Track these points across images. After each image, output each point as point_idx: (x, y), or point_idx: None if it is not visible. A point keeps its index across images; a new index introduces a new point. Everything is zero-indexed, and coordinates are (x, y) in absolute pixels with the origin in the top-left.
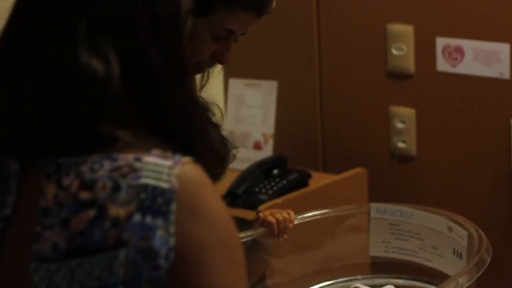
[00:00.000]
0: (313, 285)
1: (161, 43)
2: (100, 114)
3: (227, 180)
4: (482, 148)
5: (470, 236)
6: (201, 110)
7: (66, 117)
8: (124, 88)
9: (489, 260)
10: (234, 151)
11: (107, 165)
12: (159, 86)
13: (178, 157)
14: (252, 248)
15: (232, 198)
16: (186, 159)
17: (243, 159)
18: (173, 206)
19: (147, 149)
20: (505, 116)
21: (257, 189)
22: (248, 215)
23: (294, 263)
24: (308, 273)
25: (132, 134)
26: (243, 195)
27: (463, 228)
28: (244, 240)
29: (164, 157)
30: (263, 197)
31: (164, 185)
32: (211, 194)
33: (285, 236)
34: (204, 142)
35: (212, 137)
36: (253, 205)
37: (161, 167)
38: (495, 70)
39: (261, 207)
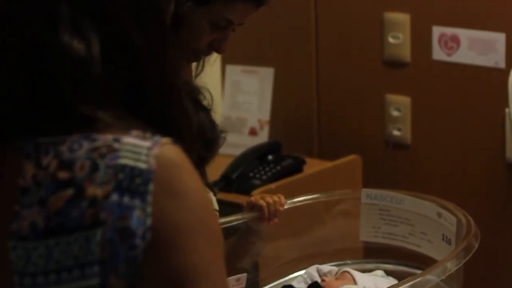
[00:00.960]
0: (303, 269)
1: (142, 25)
2: (80, 95)
3: (222, 165)
4: (476, 137)
5: (459, 222)
6: (183, 92)
7: (46, 97)
8: (104, 69)
9: (477, 245)
10: (223, 135)
11: (86, 145)
12: (139, 67)
13: (157, 138)
14: (246, 234)
15: (226, 183)
16: (165, 140)
17: (239, 144)
18: (151, 187)
19: (126, 130)
20: (500, 105)
21: (251, 174)
22: (242, 200)
23: (284, 247)
24: (299, 257)
25: (112, 115)
26: (237, 180)
27: (452, 214)
28: (234, 223)
29: (143, 138)
30: (257, 182)
31: (142, 165)
32: (189, 175)
33: (276, 220)
34: (185, 124)
35: (200, 120)
36: (246, 190)
37: (139, 148)
38: (491, 59)
39: (255, 192)
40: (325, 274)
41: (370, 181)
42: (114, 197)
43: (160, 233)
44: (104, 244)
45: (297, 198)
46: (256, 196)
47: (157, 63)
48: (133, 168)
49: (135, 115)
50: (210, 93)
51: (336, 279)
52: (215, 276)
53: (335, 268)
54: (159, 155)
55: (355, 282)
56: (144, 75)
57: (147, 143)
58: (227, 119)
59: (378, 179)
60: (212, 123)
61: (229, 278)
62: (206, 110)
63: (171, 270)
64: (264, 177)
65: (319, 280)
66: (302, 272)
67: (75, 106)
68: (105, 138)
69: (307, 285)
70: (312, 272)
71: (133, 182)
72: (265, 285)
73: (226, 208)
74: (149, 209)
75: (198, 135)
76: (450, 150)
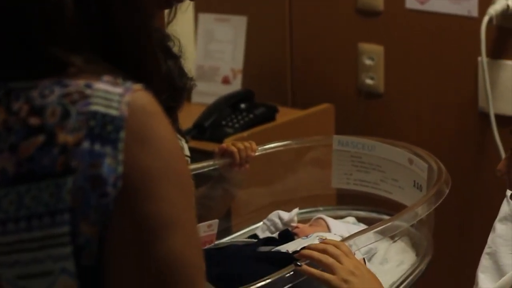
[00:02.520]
0: None
1: None
2: (52, 38)
3: (195, 113)
4: (449, 86)
5: (430, 168)
6: (155, 39)
7: (18, 40)
8: (76, 13)
9: (447, 191)
10: (193, 83)
11: (58, 91)
12: (111, 12)
13: (129, 84)
14: (218, 181)
15: (198, 131)
16: (137, 86)
17: (212, 93)
18: (122, 134)
19: (98, 76)
20: (472, 53)
21: (223, 123)
22: (214, 147)
23: (256, 194)
24: (270, 204)
25: (84, 59)
26: (209, 128)
27: (424, 161)
28: (205, 169)
29: (115, 84)
30: (229, 130)
31: (113, 112)
32: (161, 122)
33: (247, 166)
34: (155, 70)
35: (169, 68)
36: (219, 138)
37: (111, 94)
38: (464, 8)
39: (227, 140)
40: (286, 222)
41: (342, 129)
42: (85, 144)
43: (131, 181)
44: (75, 191)
45: (268, 145)
46: (228, 143)
47: (129, 8)
48: (104, 115)
49: (106, 60)
50: (180, 41)
51: (310, 225)
52: (186, 224)
53: (296, 211)
54: (131, 102)
55: (329, 229)
56: (116, 20)
57: (118, 90)
58: (199, 67)
59: (351, 128)
60: (180, 71)
61: (201, 224)
62: (175, 58)
63: (142, 218)
64: (236, 125)
65: (280, 226)
66: None
67: (47, 49)
68: (77, 84)
69: (271, 233)
70: (274, 218)
71: (104, 129)
72: (237, 231)
73: (199, 156)
74: (121, 157)
75: (166, 83)
76: (422, 99)
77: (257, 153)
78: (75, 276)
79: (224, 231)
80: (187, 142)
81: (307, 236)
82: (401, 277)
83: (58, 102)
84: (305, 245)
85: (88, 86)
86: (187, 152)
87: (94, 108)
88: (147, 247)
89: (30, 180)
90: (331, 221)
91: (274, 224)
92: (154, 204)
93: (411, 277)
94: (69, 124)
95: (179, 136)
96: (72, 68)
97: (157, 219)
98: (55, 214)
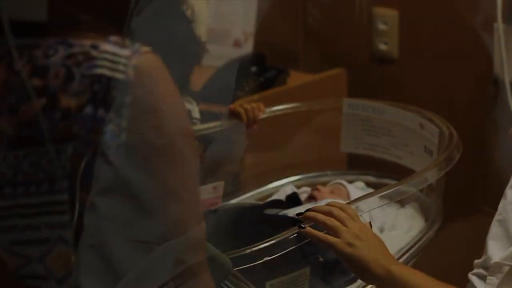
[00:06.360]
0: (282, 179)
1: None
2: None
3: (204, 75)
4: (464, 52)
5: (441, 133)
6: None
7: None
8: None
9: (458, 156)
10: (205, 50)
11: (62, 51)
12: None
13: (137, 46)
14: (225, 143)
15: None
16: (145, 48)
17: (222, 56)
18: (127, 100)
19: (105, 35)
20: (488, 19)
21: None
22: (223, 110)
23: (264, 157)
24: (278, 167)
25: (93, 17)
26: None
27: (435, 126)
28: (212, 130)
29: (122, 46)
30: (239, 93)
31: (119, 76)
32: (166, 88)
33: (255, 127)
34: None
35: (181, 34)
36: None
37: (118, 57)
38: None
39: (237, 103)
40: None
41: (355, 95)
42: (88, 109)
43: (133, 150)
44: (75, 159)
45: (277, 107)
46: (235, 104)
47: None
48: (110, 79)
49: (114, 20)
50: (193, 6)
51: (331, 192)
52: (186, 196)
53: (307, 189)
54: (137, 66)
55: (348, 197)
56: None
57: (126, 52)
58: (211, 30)
59: (363, 94)
60: (193, 37)
61: (206, 186)
62: (188, 23)
63: (142, 189)
64: (246, 88)
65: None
66: (281, 181)
67: (54, 4)
68: (82, 44)
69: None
70: (286, 189)
71: (109, 94)
72: (244, 193)
73: (207, 118)
74: (124, 124)
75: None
76: (437, 65)
77: (265, 115)
78: (71, 245)
79: (230, 194)
80: (198, 105)
81: (316, 202)
82: (409, 243)
83: (62, 63)
84: None
85: (94, 47)
86: (196, 115)
87: (99, 71)
88: (142, 218)
89: (30, 144)
90: (352, 190)
91: (284, 192)
92: (154, 176)
93: (419, 244)
94: (72, 88)
95: (190, 99)
96: (79, 26)
97: (156, 191)
98: (54, 181)
